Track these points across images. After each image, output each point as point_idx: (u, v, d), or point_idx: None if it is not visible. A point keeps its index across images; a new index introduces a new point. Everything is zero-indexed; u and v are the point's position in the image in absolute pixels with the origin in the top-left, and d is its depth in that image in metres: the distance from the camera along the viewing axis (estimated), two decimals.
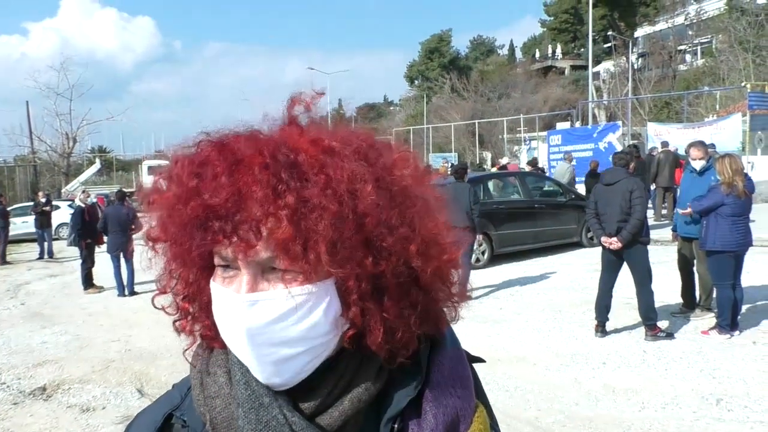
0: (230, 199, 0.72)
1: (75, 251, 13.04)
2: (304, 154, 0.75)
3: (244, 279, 0.75)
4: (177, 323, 0.88)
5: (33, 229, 18.02)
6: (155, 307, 0.88)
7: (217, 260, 0.78)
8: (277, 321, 0.74)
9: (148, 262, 0.86)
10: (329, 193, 0.73)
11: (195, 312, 0.86)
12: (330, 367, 0.80)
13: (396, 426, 0.79)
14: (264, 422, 0.77)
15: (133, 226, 11.07)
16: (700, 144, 7.28)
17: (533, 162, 19.85)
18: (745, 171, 6.52)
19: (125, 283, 10.90)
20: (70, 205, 20.11)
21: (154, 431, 0.87)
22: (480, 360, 0.96)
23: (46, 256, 17.13)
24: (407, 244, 0.77)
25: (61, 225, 20.71)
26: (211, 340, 0.86)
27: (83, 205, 11.96)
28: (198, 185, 0.75)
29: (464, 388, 0.84)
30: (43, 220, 17.36)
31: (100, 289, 11.45)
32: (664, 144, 16.28)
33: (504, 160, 19.87)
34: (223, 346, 0.84)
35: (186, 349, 0.90)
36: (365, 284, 0.76)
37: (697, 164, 7.07)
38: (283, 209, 0.71)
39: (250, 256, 0.74)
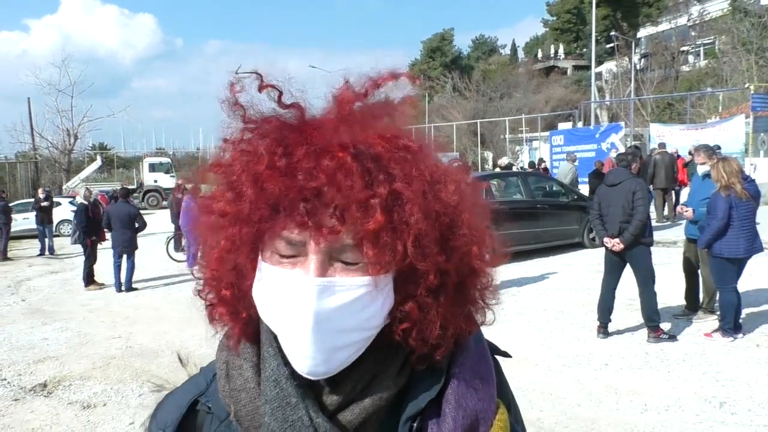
0: (326, 183, 0.72)
1: (76, 248, 13.05)
2: (380, 148, 0.77)
3: (313, 263, 0.74)
4: (214, 310, 0.86)
5: (34, 226, 18.05)
6: (200, 298, 0.87)
7: (279, 245, 0.76)
8: (344, 308, 0.74)
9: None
10: (416, 189, 0.76)
11: (234, 299, 0.84)
12: (355, 362, 0.79)
13: (415, 425, 0.79)
14: (290, 422, 0.77)
15: (137, 224, 11.11)
16: (703, 149, 7.30)
17: (536, 163, 19.79)
18: (747, 174, 6.49)
19: (123, 279, 10.91)
20: (71, 202, 20.10)
21: (180, 417, 0.89)
22: (505, 354, 0.95)
23: (47, 253, 17.10)
24: (471, 245, 0.81)
25: (62, 221, 20.74)
26: (240, 331, 0.85)
27: (86, 203, 11.92)
28: (288, 165, 0.74)
29: (485, 389, 0.84)
30: (44, 216, 17.35)
31: (101, 285, 11.43)
32: (662, 145, 16.16)
33: (504, 161, 19.66)
34: (250, 338, 0.85)
35: (214, 336, 0.90)
36: (434, 279, 0.78)
37: (701, 169, 7.15)
38: (375, 198, 0.73)
39: (330, 242, 0.73)
